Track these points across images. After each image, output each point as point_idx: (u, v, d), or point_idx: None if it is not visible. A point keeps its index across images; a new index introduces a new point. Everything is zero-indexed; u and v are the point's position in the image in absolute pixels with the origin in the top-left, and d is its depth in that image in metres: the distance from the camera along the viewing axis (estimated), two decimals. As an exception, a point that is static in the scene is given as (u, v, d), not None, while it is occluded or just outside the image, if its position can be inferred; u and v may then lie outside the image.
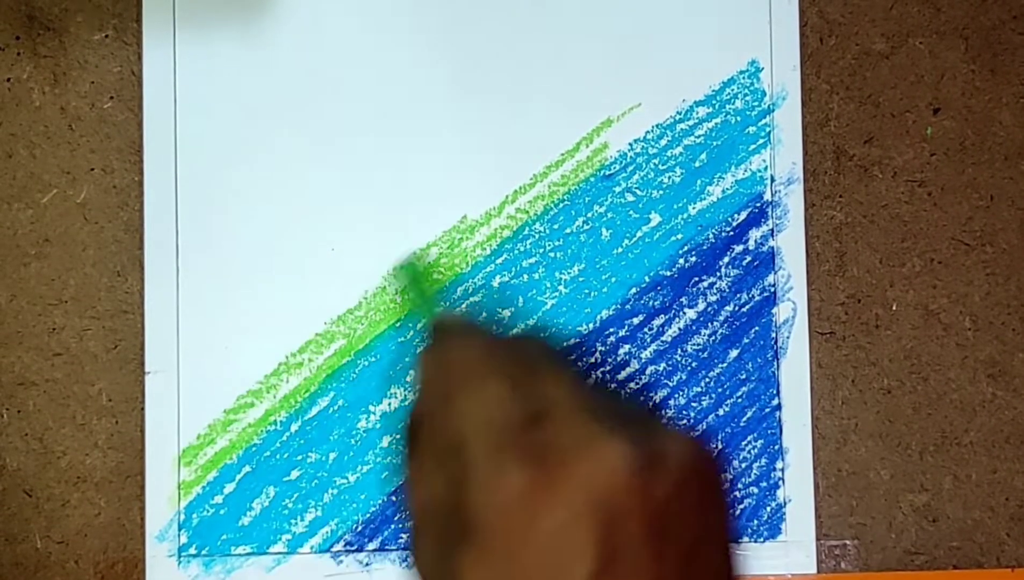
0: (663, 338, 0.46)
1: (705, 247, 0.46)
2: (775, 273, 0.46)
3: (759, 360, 0.46)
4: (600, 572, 0.24)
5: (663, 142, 0.46)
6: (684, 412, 0.46)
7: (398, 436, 0.29)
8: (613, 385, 0.30)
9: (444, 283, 0.44)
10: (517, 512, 0.24)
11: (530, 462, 0.25)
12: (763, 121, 0.46)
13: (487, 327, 0.31)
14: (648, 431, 0.26)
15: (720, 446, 0.28)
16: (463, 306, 0.34)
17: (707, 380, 0.46)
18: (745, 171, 0.46)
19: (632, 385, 0.30)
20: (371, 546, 0.45)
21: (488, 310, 0.36)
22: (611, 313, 0.46)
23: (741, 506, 0.45)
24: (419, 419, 0.29)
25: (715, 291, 0.46)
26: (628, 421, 0.26)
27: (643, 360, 0.46)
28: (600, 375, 0.30)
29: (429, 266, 0.44)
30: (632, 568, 0.24)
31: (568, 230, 0.46)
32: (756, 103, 0.47)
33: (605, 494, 0.24)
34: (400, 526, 0.45)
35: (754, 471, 0.45)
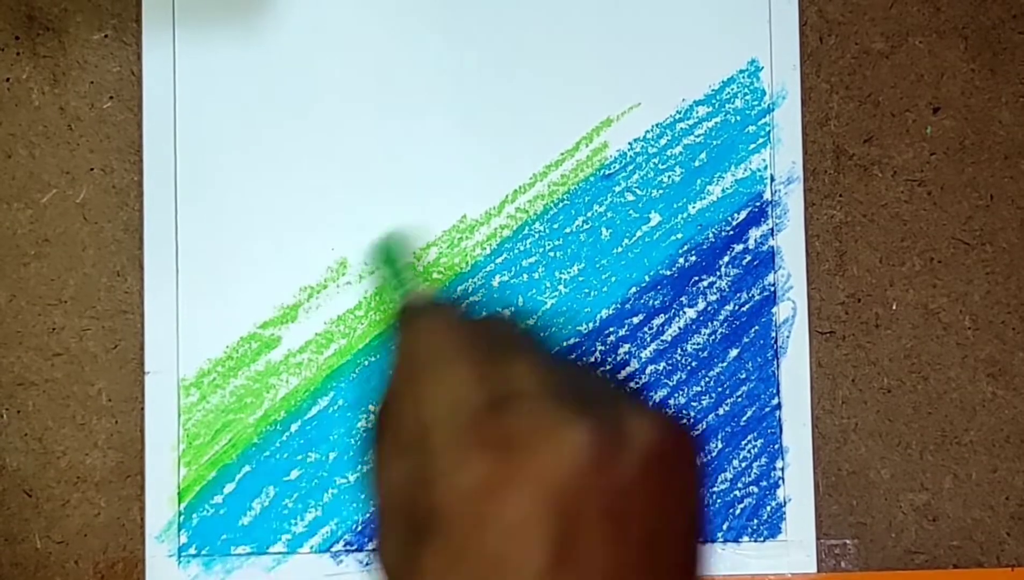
0: (663, 337, 0.46)
1: (705, 246, 0.46)
2: (775, 272, 0.46)
3: (759, 359, 0.46)
4: (555, 564, 0.24)
5: (663, 141, 0.46)
6: (684, 411, 0.46)
7: (366, 424, 0.29)
8: (586, 365, 0.30)
9: (419, 264, 0.44)
10: (477, 503, 0.24)
11: (491, 450, 0.25)
12: (763, 120, 0.46)
13: (457, 308, 0.31)
14: (614, 413, 0.26)
15: (693, 426, 0.27)
16: (433, 286, 0.33)
17: (707, 379, 0.46)
18: (745, 170, 0.46)
19: (605, 366, 0.30)
20: (371, 546, 0.45)
21: (459, 290, 0.36)
22: (611, 312, 0.46)
23: (741, 505, 0.45)
24: (386, 406, 0.29)
25: (715, 290, 0.46)
26: (595, 403, 0.26)
27: (643, 359, 0.46)
28: (572, 356, 0.30)
29: (406, 246, 0.44)
30: (589, 557, 0.24)
31: (568, 229, 0.46)
32: (756, 102, 0.47)
33: (564, 482, 0.24)
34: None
35: (754, 470, 0.45)
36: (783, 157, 0.46)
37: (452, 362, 0.27)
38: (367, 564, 0.45)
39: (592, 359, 0.30)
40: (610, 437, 0.25)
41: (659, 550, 0.25)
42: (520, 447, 0.25)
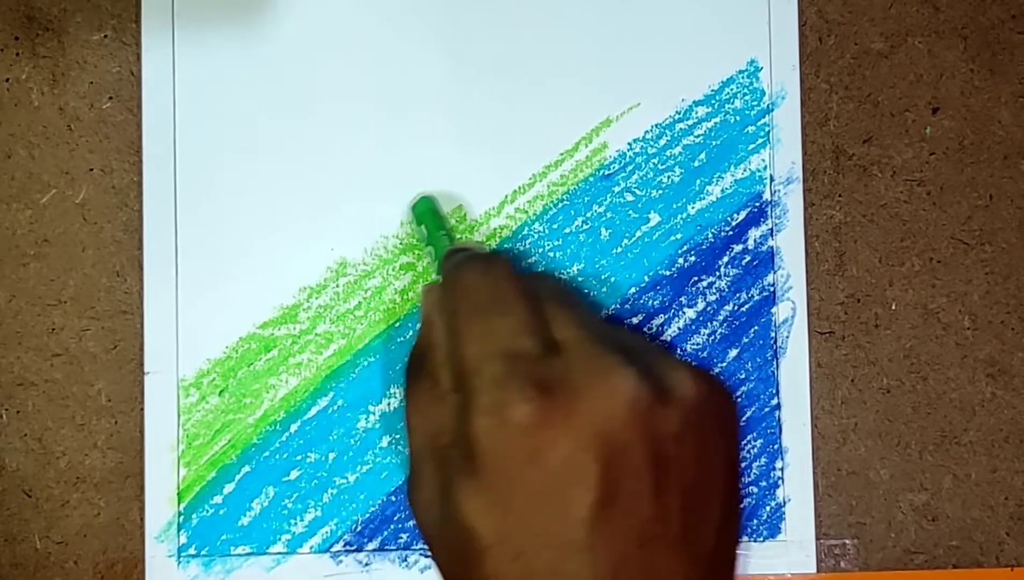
0: (663, 338, 0.46)
1: (704, 247, 0.46)
2: (774, 273, 0.46)
3: (758, 359, 0.46)
4: (601, 503, 0.24)
5: (662, 142, 0.46)
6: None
7: (403, 368, 0.29)
8: (626, 324, 0.30)
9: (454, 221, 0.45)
10: (522, 442, 0.24)
11: (539, 394, 0.25)
12: (762, 121, 0.47)
13: (504, 260, 0.31)
14: (659, 366, 0.26)
15: (730, 389, 0.27)
16: (477, 241, 0.34)
17: (707, 380, 0.46)
18: (744, 171, 0.46)
19: (642, 328, 0.30)
20: (371, 546, 0.45)
21: (504, 247, 0.36)
22: (611, 313, 0.46)
23: (740, 505, 0.45)
24: (423, 350, 0.29)
25: (714, 291, 0.46)
26: (640, 356, 0.26)
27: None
28: (611, 315, 0.30)
29: (439, 206, 0.45)
30: (633, 501, 0.24)
31: (567, 230, 0.46)
32: (755, 103, 0.47)
33: (610, 426, 0.24)
34: (400, 526, 0.45)
35: (753, 470, 0.45)
36: (782, 157, 0.46)
37: (502, 308, 0.27)
38: (367, 564, 0.45)
39: (630, 321, 0.30)
40: (655, 387, 0.25)
41: (697, 501, 0.25)
42: (569, 390, 0.25)
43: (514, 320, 0.28)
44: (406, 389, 0.29)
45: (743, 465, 0.30)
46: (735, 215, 0.46)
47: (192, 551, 0.45)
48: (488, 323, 0.28)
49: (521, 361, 0.26)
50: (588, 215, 0.46)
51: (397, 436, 0.45)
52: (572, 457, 0.24)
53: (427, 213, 0.44)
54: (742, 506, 0.28)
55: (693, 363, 0.27)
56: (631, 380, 0.25)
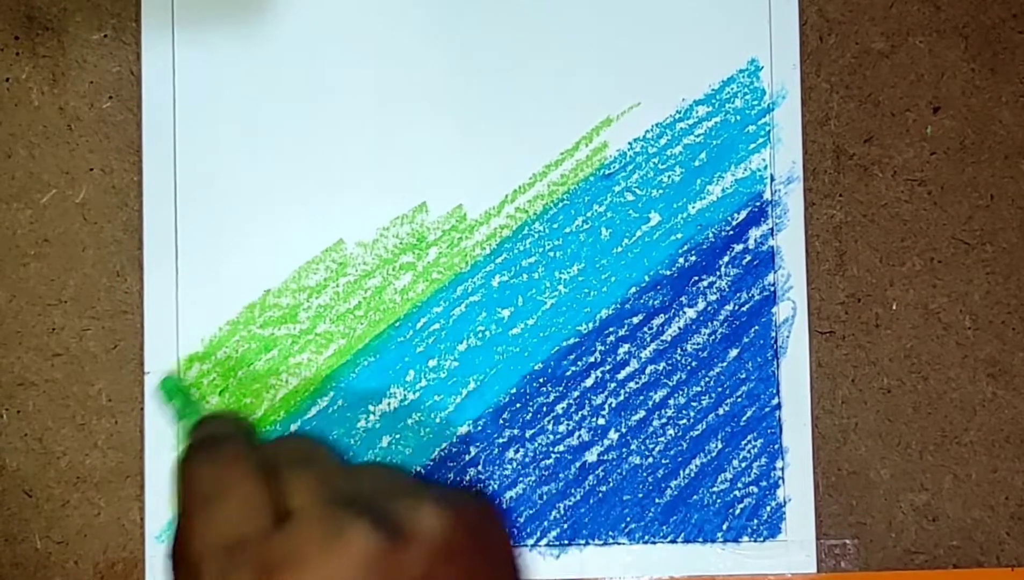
0: (663, 337, 0.46)
1: (705, 246, 0.46)
2: (775, 272, 0.46)
3: (759, 359, 0.46)
4: None
5: (663, 141, 0.46)
6: (684, 411, 0.46)
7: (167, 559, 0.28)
8: (372, 468, 0.29)
9: (203, 399, 0.45)
10: None
11: (267, 574, 0.24)
12: (763, 120, 0.46)
13: (240, 435, 0.30)
14: (400, 508, 0.25)
15: (488, 500, 0.26)
16: (222, 415, 0.33)
17: (707, 379, 0.46)
18: (745, 170, 0.46)
19: (389, 467, 0.29)
20: None
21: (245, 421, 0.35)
22: (611, 312, 0.46)
23: (741, 505, 0.45)
24: (176, 544, 0.28)
25: (715, 290, 0.46)
26: (379, 502, 0.25)
27: (643, 359, 0.46)
28: (359, 462, 0.29)
29: (184, 382, 0.45)
30: None
31: (568, 229, 0.46)
32: (756, 102, 0.46)
33: None
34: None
35: (754, 470, 0.45)
36: (783, 157, 0.46)
37: (224, 495, 0.26)
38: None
39: (379, 464, 0.28)
40: (391, 533, 0.24)
41: None
42: (298, 562, 0.24)
43: (237, 503, 0.27)
44: None
45: (519, 570, 0.28)
46: (735, 215, 0.46)
47: (192, 551, 0.45)
48: (209, 514, 0.27)
49: (247, 546, 0.25)
50: (588, 215, 0.46)
51: (398, 436, 0.45)
52: None
53: (174, 391, 0.43)
54: None
55: (444, 492, 0.26)
56: (361, 532, 0.24)
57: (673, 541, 0.45)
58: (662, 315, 0.46)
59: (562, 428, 0.45)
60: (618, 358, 0.46)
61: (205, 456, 0.29)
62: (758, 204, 0.46)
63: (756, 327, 0.46)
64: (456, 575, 0.25)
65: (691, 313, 0.46)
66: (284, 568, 0.24)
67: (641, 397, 0.46)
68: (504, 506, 0.43)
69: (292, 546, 0.25)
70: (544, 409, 0.45)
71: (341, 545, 0.24)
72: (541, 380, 0.46)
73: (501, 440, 0.45)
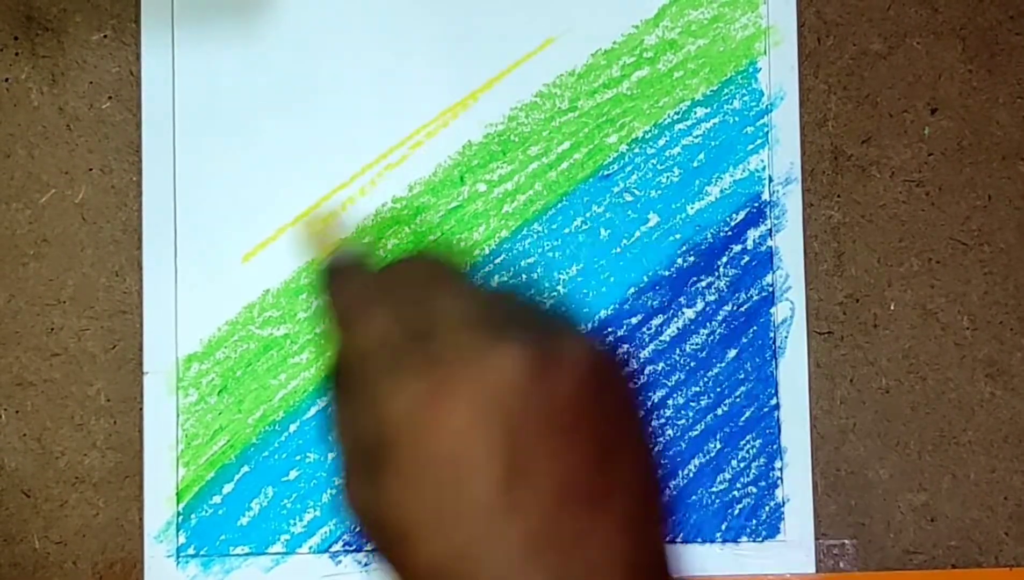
0: (662, 338, 0.46)
1: (703, 247, 0.46)
2: (773, 273, 0.46)
3: (757, 360, 0.46)
4: (509, 474, 0.24)
5: (661, 142, 0.46)
6: (683, 411, 0.46)
7: (325, 377, 0.30)
8: (514, 292, 0.30)
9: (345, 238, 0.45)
10: (418, 420, 0.25)
11: (422, 373, 0.25)
12: (761, 121, 0.47)
13: (369, 258, 0.31)
14: (542, 333, 0.26)
15: (621, 348, 0.28)
16: (349, 242, 0.34)
17: (706, 380, 0.46)
18: (743, 171, 0.46)
19: (533, 291, 0.30)
20: (369, 546, 0.45)
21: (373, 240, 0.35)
22: (610, 313, 0.46)
23: (740, 505, 0.45)
24: (331, 358, 0.30)
25: (713, 291, 0.46)
26: (520, 326, 0.26)
27: (642, 360, 0.46)
28: (500, 284, 0.30)
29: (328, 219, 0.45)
30: (541, 467, 0.24)
31: (567, 230, 0.46)
32: (754, 103, 0.47)
33: (501, 396, 0.24)
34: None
35: (753, 470, 0.45)
36: (781, 158, 0.46)
37: (368, 309, 0.28)
38: (366, 565, 0.45)
39: (521, 285, 0.30)
40: (538, 356, 0.25)
41: (611, 461, 0.26)
42: (450, 367, 0.25)
43: (383, 317, 0.28)
44: (329, 396, 0.29)
45: (655, 429, 0.30)
46: (734, 215, 0.46)
47: (191, 551, 0.45)
48: (362, 327, 0.28)
49: (399, 351, 0.27)
50: (588, 215, 0.46)
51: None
52: (472, 425, 0.25)
53: (312, 235, 0.43)
54: (661, 469, 0.28)
55: (585, 329, 0.28)
56: (514, 349, 0.26)
57: (672, 541, 0.45)
58: (661, 315, 0.46)
59: (561, 428, 0.45)
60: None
61: (360, 265, 0.31)
62: (756, 205, 0.46)
63: (755, 327, 0.46)
64: (601, 407, 0.26)
65: (690, 313, 0.46)
66: (447, 365, 0.25)
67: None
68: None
69: (444, 354, 0.26)
70: (543, 409, 0.45)
71: (498, 354, 0.25)
72: (540, 380, 0.46)
73: (500, 440, 0.45)
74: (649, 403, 0.30)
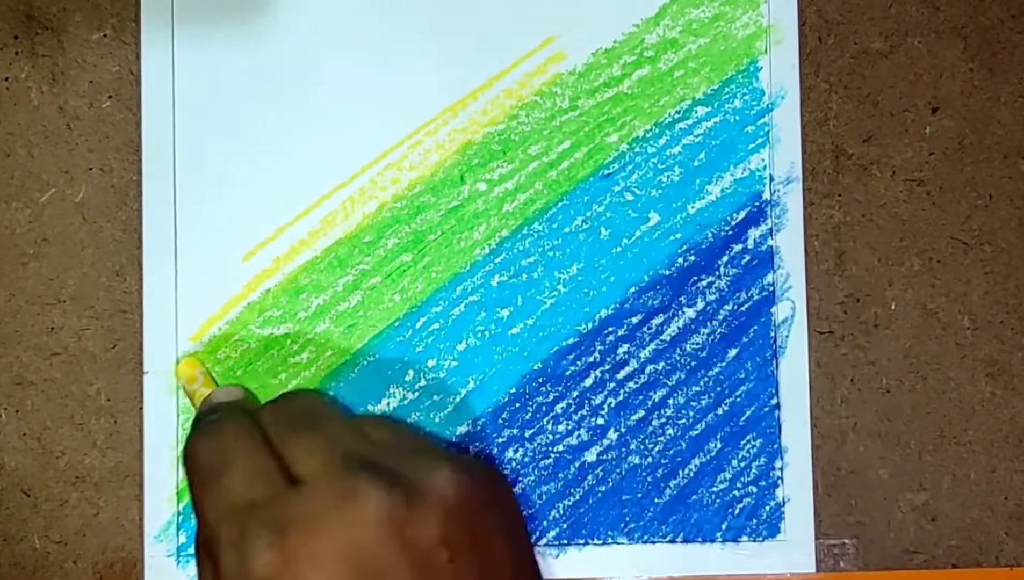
0: (662, 337, 0.46)
1: (704, 246, 0.46)
2: (774, 272, 0.46)
3: (758, 359, 0.46)
4: None
5: (662, 141, 0.46)
6: (683, 411, 0.46)
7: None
8: (390, 425, 0.29)
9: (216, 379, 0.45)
10: None
11: (278, 537, 0.24)
12: (762, 120, 0.46)
13: (232, 417, 0.30)
14: (414, 470, 0.25)
15: (495, 469, 0.26)
16: (229, 388, 0.33)
17: (706, 379, 0.46)
18: (744, 170, 0.46)
19: (407, 423, 0.29)
20: None
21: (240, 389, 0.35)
22: (610, 312, 0.46)
23: (740, 505, 0.45)
24: (197, 532, 0.28)
25: (714, 290, 0.46)
26: (391, 464, 0.25)
27: (642, 359, 0.46)
28: (376, 419, 0.29)
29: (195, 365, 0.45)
30: None
31: (567, 229, 0.46)
32: (755, 102, 0.47)
33: (362, 549, 0.23)
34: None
35: (753, 470, 0.45)
36: (782, 157, 0.46)
37: (230, 465, 0.26)
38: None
39: (385, 419, 0.29)
40: (407, 495, 0.24)
41: None
42: (312, 523, 0.24)
43: (244, 471, 0.27)
44: (198, 562, 0.28)
45: (530, 545, 0.28)
46: (735, 215, 0.46)
47: (191, 551, 0.45)
48: (218, 486, 0.27)
49: (257, 509, 0.26)
50: (588, 215, 0.46)
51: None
52: None
53: (184, 375, 0.43)
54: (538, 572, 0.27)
55: (455, 455, 0.27)
56: (376, 494, 0.24)
57: (672, 541, 0.45)
58: (661, 315, 0.46)
59: (561, 428, 0.45)
60: (617, 358, 0.46)
61: (205, 432, 0.29)
62: (757, 204, 0.46)
63: (755, 327, 0.46)
64: (471, 537, 0.25)
65: (690, 313, 0.46)
66: (299, 527, 0.24)
67: (640, 397, 0.46)
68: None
69: (306, 507, 0.25)
70: (543, 409, 0.45)
71: (356, 505, 0.24)
72: (540, 380, 0.46)
73: (500, 440, 0.45)
74: (520, 519, 0.28)
